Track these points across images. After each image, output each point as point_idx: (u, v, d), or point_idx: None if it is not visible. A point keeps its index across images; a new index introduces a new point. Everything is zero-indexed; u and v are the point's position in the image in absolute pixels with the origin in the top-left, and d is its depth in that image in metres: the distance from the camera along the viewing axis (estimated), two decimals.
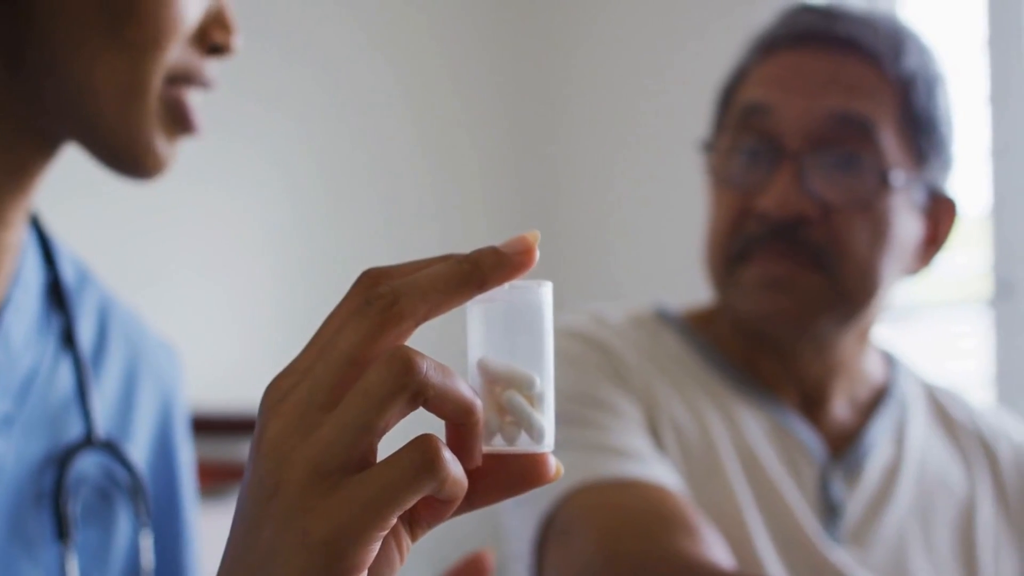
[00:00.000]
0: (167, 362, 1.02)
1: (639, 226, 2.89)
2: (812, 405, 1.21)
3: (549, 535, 1.06)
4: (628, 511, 1.02)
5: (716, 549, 1.00)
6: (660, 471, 1.07)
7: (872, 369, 1.25)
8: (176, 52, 0.85)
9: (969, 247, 2.16)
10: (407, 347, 0.51)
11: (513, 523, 1.14)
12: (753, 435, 1.16)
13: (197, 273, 2.66)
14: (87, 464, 0.91)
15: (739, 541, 1.10)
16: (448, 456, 0.51)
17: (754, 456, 1.15)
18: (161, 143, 0.87)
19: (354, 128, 2.94)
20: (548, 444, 0.55)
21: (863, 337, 1.23)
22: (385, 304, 0.52)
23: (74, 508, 0.89)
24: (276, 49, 2.65)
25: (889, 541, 1.16)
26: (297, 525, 0.50)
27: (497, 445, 0.54)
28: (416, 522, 0.55)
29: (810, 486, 1.16)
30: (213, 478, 2.14)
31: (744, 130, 1.18)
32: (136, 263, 2.43)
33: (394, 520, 0.50)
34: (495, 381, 0.54)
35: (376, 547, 0.50)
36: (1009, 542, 1.21)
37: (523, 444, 0.55)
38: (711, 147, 1.23)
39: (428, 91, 3.07)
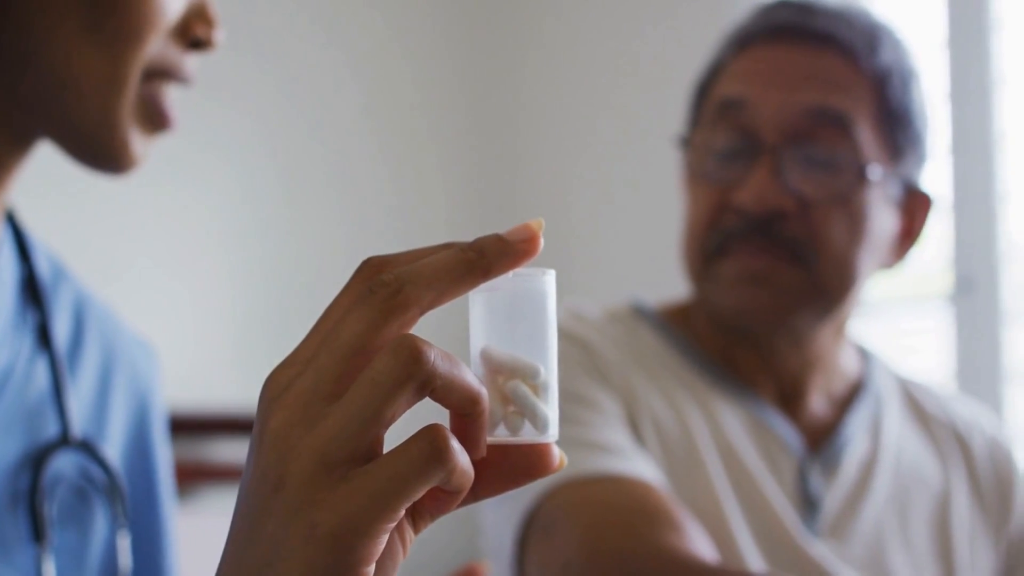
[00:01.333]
0: (144, 360, 1.00)
1: (599, 221, 2.89)
2: (789, 399, 1.22)
3: (531, 531, 1.06)
4: (611, 507, 1.02)
5: (700, 543, 1.00)
6: (642, 466, 1.07)
7: (847, 363, 1.26)
8: (156, 46, 0.84)
9: (929, 243, 2.18)
10: (414, 335, 0.50)
11: (493, 519, 1.13)
12: (732, 429, 1.16)
13: (154, 271, 2.63)
14: (63, 464, 0.89)
15: (720, 536, 1.10)
16: (456, 446, 0.50)
17: (733, 451, 1.15)
18: (137, 139, 0.86)
19: (312, 124, 2.92)
20: (552, 434, 0.54)
21: (839, 331, 1.23)
22: (390, 292, 0.51)
23: (50, 509, 0.87)
24: (233, 46, 2.63)
25: (867, 534, 1.16)
26: (304, 518, 0.49)
27: (500, 435, 0.54)
28: (419, 514, 0.54)
29: (788, 480, 1.16)
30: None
31: (721, 125, 1.18)
32: (94, 260, 2.40)
33: (403, 512, 0.49)
34: (498, 371, 0.54)
35: (385, 539, 0.50)
36: (983, 534, 1.22)
37: (527, 434, 0.54)
38: (687, 142, 1.23)
39: (386, 86, 3.06)
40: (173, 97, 0.88)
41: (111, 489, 0.91)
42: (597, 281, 2.74)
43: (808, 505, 1.16)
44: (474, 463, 0.52)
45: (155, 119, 0.86)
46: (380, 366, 0.49)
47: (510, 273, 0.53)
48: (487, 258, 0.52)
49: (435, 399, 0.51)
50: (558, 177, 3.00)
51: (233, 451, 2.63)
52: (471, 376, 0.51)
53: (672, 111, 2.69)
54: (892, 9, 2.25)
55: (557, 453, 0.55)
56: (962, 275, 2.16)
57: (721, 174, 1.17)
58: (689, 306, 1.25)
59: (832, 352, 1.23)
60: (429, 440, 0.50)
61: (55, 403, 0.90)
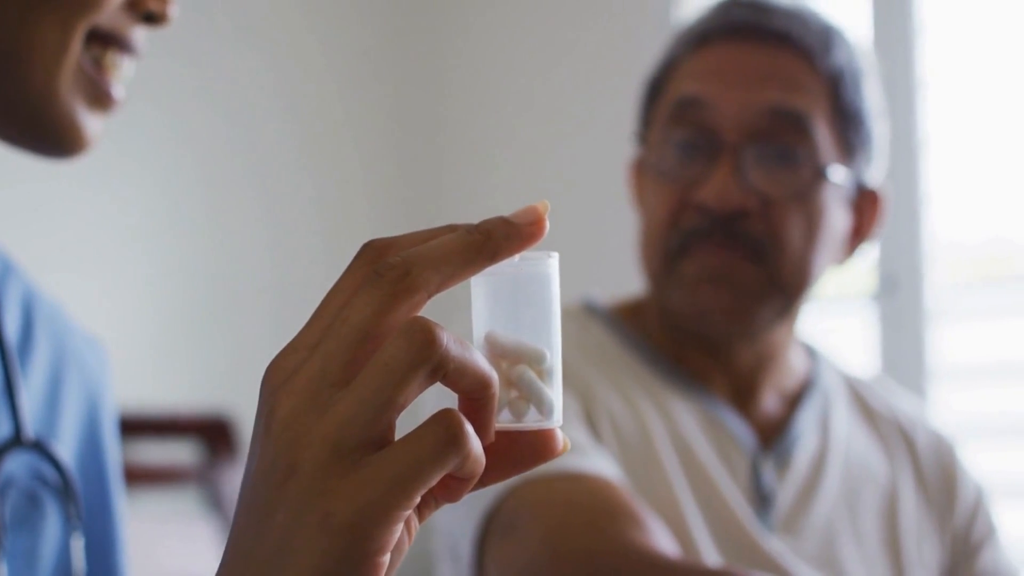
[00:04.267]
0: (94, 358, 0.97)
1: None
2: (742, 396, 1.22)
3: (491, 531, 1.05)
4: (573, 505, 1.01)
5: (663, 539, 1.00)
6: (601, 464, 1.07)
7: (797, 361, 1.27)
8: (108, 17, 0.80)
9: None
10: (426, 318, 0.49)
11: (448, 519, 1.12)
12: (687, 426, 1.17)
13: (69, 271, 2.57)
14: (15, 465, 0.85)
15: (677, 532, 1.10)
16: (471, 431, 0.49)
17: (689, 447, 1.15)
18: (84, 116, 0.81)
19: (232, 123, 2.87)
20: (557, 419, 0.54)
21: (791, 329, 1.24)
22: (397, 275, 0.50)
23: (2, 512, 0.84)
24: (151, 44, 2.57)
25: (819, 529, 1.17)
26: (317, 507, 0.47)
27: (504, 421, 0.53)
28: (425, 503, 0.53)
29: (742, 476, 1.17)
30: None
31: (678, 123, 1.18)
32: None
33: (418, 499, 0.48)
34: (503, 356, 0.53)
35: (400, 527, 0.48)
36: (929, 526, 1.23)
37: (531, 419, 0.53)
38: (642, 140, 1.23)
39: (306, 84, 3.02)
40: (122, 73, 0.83)
41: (65, 490, 0.88)
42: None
43: (762, 500, 1.17)
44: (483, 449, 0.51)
45: (98, 95, 0.82)
46: (393, 350, 0.48)
47: (516, 257, 0.52)
48: (494, 241, 0.51)
49: (446, 383, 0.50)
50: (483, 177, 2.99)
51: (150, 453, 2.58)
52: (483, 360, 0.50)
53: (599, 110, 2.72)
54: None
55: (561, 438, 0.54)
56: (886, 274, 2.20)
57: (680, 172, 1.17)
58: (641, 303, 1.25)
59: (784, 349, 1.24)
60: (445, 425, 0.49)
61: (7, 402, 0.86)
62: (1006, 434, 2.10)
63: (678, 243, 1.16)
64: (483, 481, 0.52)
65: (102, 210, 2.66)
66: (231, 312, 2.83)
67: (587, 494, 1.02)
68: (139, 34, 0.83)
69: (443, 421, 0.49)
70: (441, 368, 0.49)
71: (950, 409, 2.10)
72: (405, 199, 3.11)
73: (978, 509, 1.26)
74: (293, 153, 2.97)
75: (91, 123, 0.82)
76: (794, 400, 1.25)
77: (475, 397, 0.51)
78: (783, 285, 1.16)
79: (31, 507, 0.86)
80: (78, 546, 0.87)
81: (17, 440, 0.85)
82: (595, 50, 2.74)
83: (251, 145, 2.90)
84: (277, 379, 0.50)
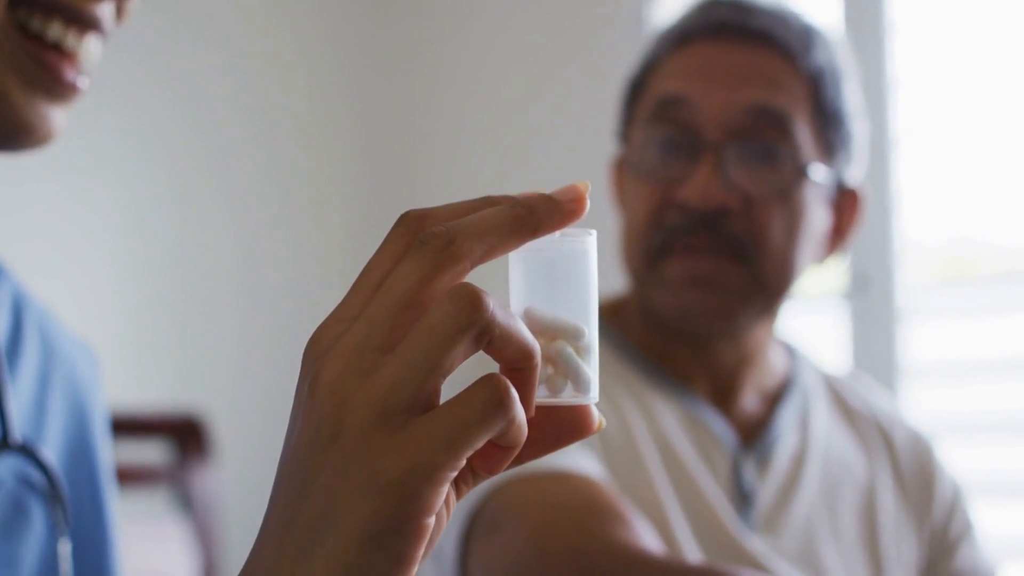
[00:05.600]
0: (84, 362, 0.95)
1: None
2: (723, 395, 1.23)
3: (475, 530, 1.04)
4: (558, 504, 1.01)
5: (647, 537, 1.00)
6: (586, 463, 1.07)
7: (777, 360, 1.27)
8: None
9: None
10: (472, 284, 0.49)
11: None
12: (669, 425, 1.17)
13: (38, 269, 2.54)
14: (1, 468, 0.84)
15: (659, 530, 1.10)
16: (516, 395, 0.49)
17: (671, 447, 1.16)
18: (30, 103, 0.77)
19: (200, 121, 2.85)
20: (594, 396, 0.54)
21: (771, 328, 1.25)
22: (441, 244, 0.50)
23: None
24: (117, 42, 2.56)
25: (799, 527, 1.18)
26: (365, 467, 0.47)
27: (540, 396, 0.53)
28: (463, 477, 0.53)
29: (724, 475, 1.17)
30: None
31: (660, 122, 1.18)
32: None
33: (464, 461, 0.48)
34: (541, 332, 0.53)
35: (446, 489, 0.48)
36: (907, 524, 1.24)
37: (567, 396, 0.54)
38: (624, 138, 1.23)
39: (274, 82, 3.00)
40: (87, 55, 0.78)
41: (52, 494, 0.86)
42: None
43: (743, 499, 1.17)
44: None
45: (48, 84, 0.77)
46: (440, 313, 0.48)
47: (557, 233, 0.53)
48: (536, 215, 0.52)
49: (490, 351, 0.50)
50: (456, 176, 2.98)
51: (121, 453, 2.55)
52: (527, 330, 0.50)
53: (573, 109, 2.72)
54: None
55: (597, 415, 0.54)
56: (858, 273, 2.21)
57: (662, 171, 1.17)
58: (622, 302, 1.26)
59: (764, 348, 1.25)
60: (491, 387, 0.49)
61: None
62: (974, 431, 2.12)
63: (660, 242, 1.16)
64: (520, 457, 0.52)
65: (71, 210, 2.63)
66: (201, 312, 2.81)
67: (571, 493, 1.02)
68: (104, 10, 0.79)
69: (489, 384, 0.49)
70: (487, 333, 0.49)
71: (920, 406, 2.12)
72: (375, 198, 3.09)
73: (955, 506, 1.27)
74: (263, 152, 2.95)
75: (47, 114, 0.78)
76: (774, 399, 1.25)
77: (518, 367, 0.51)
78: (765, 284, 1.17)
79: (15, 511, 0.85)
80: (65, 551, 0.86)
81: (4, 443, 0.83)
82: (568, 49, 2.74)
83: (220, 144, 2.88)
84: (320, 347, 0.50)
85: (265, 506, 0.51)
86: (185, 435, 2.56)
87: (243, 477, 2.72)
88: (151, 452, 2.56)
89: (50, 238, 2.58)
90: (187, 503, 2.51)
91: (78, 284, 2.62)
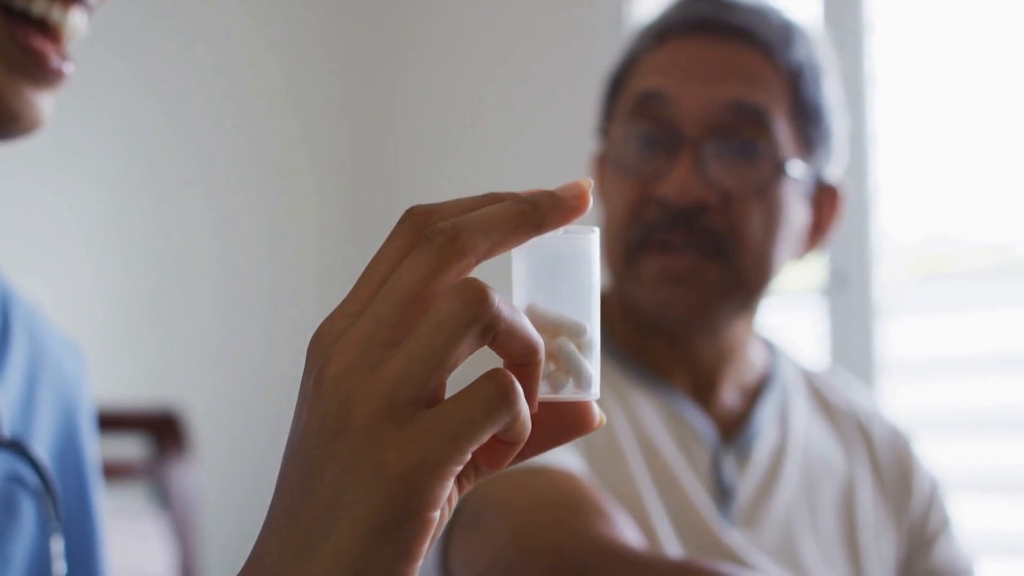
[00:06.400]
0: (71, 360, 0.95)
1: None
2: (702, 391, 1.23)
3: (457, 525, 1.04)
4: (539, 499, 1.01)
5: (628, 532, 1.00)
6: (567, 458, 1.07)
7: (756, 355, 1.28)
8: None
9: None
10: (478, 279, 0.50)
11: None
12: (649, 420, 1.17)
13: (14, 265, 2.53)
14: None
15: (640, 525, 1.10)
16: (521, 390, 0.50)
17: (651, 442, 1.16)
18: (13, 90, 0.76)
19: (180, 120, 2.84)
20: (595, 392, 0.54)
21: (750, 324, 1.25)
22: (446, 239, 0.50)
23: None
24: (96, 40, 2.54)
25: (778, 522, 1.18)
26: (370, 461, 0.47)
27: (542, 392, 0.53)
28: (466, 473, 0.53)
29: (704, 470, 1.18)
30: None
31: (639, 117, 1.18)
32: None
33: (469, 455, 0.49)
34: (543, 328, 0.53)
35: (451, 484, 0.49)
36: (886, 519, 1.25)
37: (568, 392, 0.54)
38: (604, 134, 1.23)
39: (253, 78, 2.99)
40: (72, 31, 0.77)
41: (43, 491, 0.85)
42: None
43: (722, 494, 1.17)
44: None
45: (33, 70, 0.76)
46: (446, 308, 0.49)
47: (560, 230, 0.53)
48: (540, 211, 0.52)
49: (494, 346, 0.50)
50: (436, 174, 2.98)
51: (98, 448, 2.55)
52: (531, 326, 0.51)
53: (551, 107, 2.72)
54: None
55: (598, 411, 0.55)
56: (836, 270, 2.22)
57: (641, 167, 1.17)
58: (601, 297, 1.25)
59: (743, 344, 1.25)
60: (496, 382, 0.49)
61: None
62: (952, 426, 2.13)
63: (639, 238, 1.16)
64: (522, 453, 0.53)
65: (48, 205, 2.62)
66: (179, 307, 2.81)
67: (552, 488, 1.02)
68: None
69: (495, 378, 0.49)
70: (492, 328, 0.49)
71: (898, 402, 2.13)
72: (353, 193, 3.09)
73: (933, 501, 1.28)
74: (241, 147, 2.94)
75: (34, 101, 0.78)
76: (754, 394, 1.26)
77: (522, 362, 0.51)
78: (744, 280, 1.17)
79: (5, 509, 0.84)
80: (58, 547, 0.86)
81: None
82: (549, 45, 2.74)
83: (198, 139, 2.87)
84: (325, 341, 0.50)
85: (242, 501, 0.51)
86: (163, 430, 2.55)
87: (221, 472, 2.72)
88: (129, 447, 2.55)
89: (27, 234, 2.57)
90: (165, 498, 2.50)
91: (56, 280, 2.61)
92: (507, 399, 0.49)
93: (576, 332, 0.54)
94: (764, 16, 1.20)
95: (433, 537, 0.50)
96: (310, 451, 0.49)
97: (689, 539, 1.13)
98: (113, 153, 2.74)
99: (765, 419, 1.23)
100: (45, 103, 0.79)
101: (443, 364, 0.48)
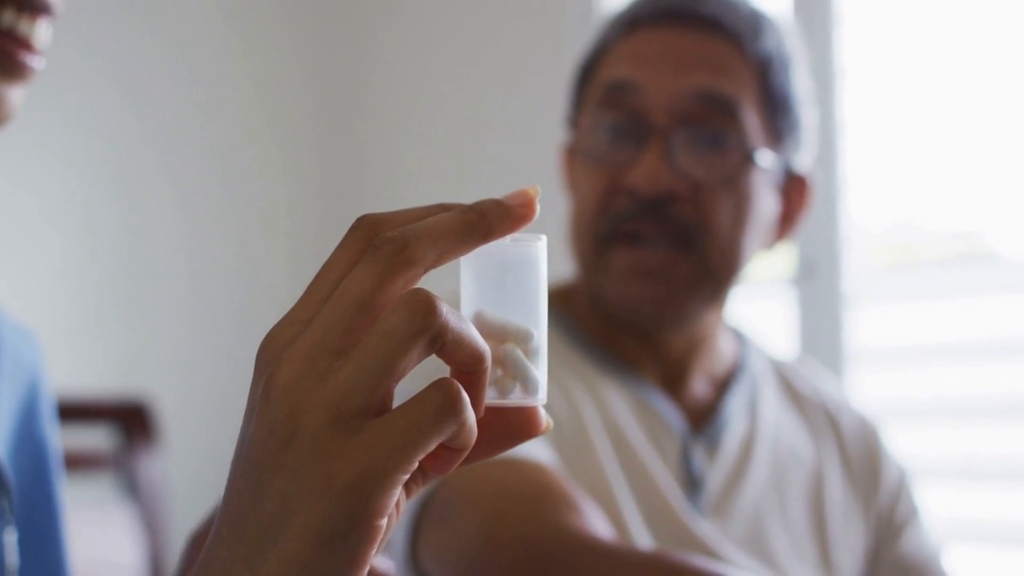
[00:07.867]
0: (27, 348, 0.94)
1: None
2: (672, 381, 1.23)
3: (425, 518, 1.04)
4: (508, 490, 1.01)
5: (597, 523, 1.00)
6: (536, 449, 1.06)
7: (725, 345, 1.28)
8: None
9: None
10: (426, 290, 0.50)
11: None
12: (619, 411, 1.17)
13: None
14: None
15: (610, 516, 1.10)
16: (467, 399, 0.50)
17: (621, 432, 1.16)
18: None
19: (143, 108, 2.82)
20: (541, 397, 0.55)
21: (720, 314, 1.25)
22: (395, 249, 0.51)
23: None
24: (66, 39, 2.52)
25: (747, 512, 1.19)
26: (319, 470, 0.48)
27: (489, 398, 0.54)
28: (414, 478, 0.54)
29: (673, 461, 1.18)
30: None
31: (608, 107, 1.18)
32: None
33: (416, 463, 0.49)
34: (491, 334, 0.54)
35: (398, 492, 0.49)
36: (855, 508, 1.25)
37: (515, 397, 0.55)
38: (573, 124, 1.23)
39: (220, 69, 2.97)
40: (39, 38, 0.77)
41: None
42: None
43: (692, 484, 1.17)
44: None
45: (6, 64, 0.76)
46: (394, 318, 0.49)
47: (508, 238, 0.54)
48: (488, 220, 0.53)
49: (442, 355, 0.51)
50: (404, 177, 2.97)
51: (66, 438, 2.53)
52: (478, 334, 0.52)
53: (521, 103, 2.71)
54: None
55: (544, 416, 0.56)
56: (805, 259, 2.22)
57: (610, 156, 1.17)
58: (571, 288, 1.25)
59: (713, 335, 1.25)
60: (443, 392, 0.50)
61: None
62: (920, 415, 2.14)
63: (608, 228, 1.16)
64: (469, 458, 0.53)
65: (14, 195, 2.60)
66: (147, 297, 2.79)
67: (521, 479, 1.02)
68: None
69: (442, 388, 0.50)
70: (440, 338, 0.50)
71: (866, 391, 2.14)
72: (321, 185, 3.08)
73: (901, 490, 1.29)
74: (208, 139, 2.92)
75: (4, 94, 0.78)
76: (723, 384, 1.26)
77: (468, 370, 0.52)
78: (712, 270, 1.17)
79: None
80: (11, 540, 0.85)
81: None
82: (518, 35, 2.73)
83: (165, 131, 2.85)
84: (274, 349, 0.50)
85: (211, 491, 0.51)
86: (130, 420, 2.54)
87: (189, 462, 2.70)
88: (96, 437, 2.53)
89: None
90: (133, 489, 2.49)
91: (23, 270, 2.59)
92: (453, 408, 0.50)
93: (523, 338, 0.55)
94: (733, 6, 1.19)
95: (380, 543, 0.50)
96: (259, 459, 0.49)
97: (659, 529, 1.13)
98: (80, 144, 2.72)
99: (734, 409, 1.24)
100: (14, 95, 0.79)
101: (391, 374, 0.49)
